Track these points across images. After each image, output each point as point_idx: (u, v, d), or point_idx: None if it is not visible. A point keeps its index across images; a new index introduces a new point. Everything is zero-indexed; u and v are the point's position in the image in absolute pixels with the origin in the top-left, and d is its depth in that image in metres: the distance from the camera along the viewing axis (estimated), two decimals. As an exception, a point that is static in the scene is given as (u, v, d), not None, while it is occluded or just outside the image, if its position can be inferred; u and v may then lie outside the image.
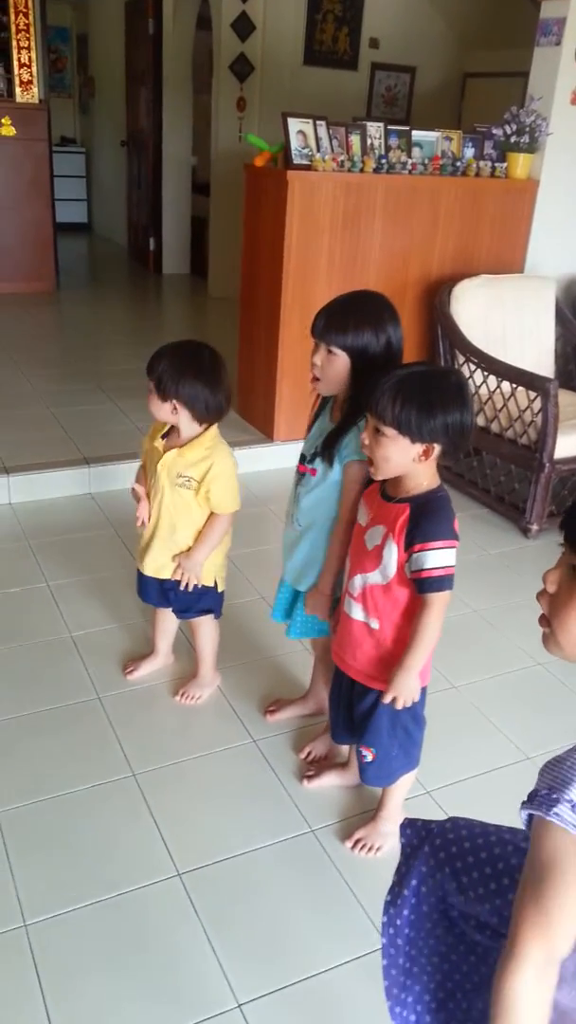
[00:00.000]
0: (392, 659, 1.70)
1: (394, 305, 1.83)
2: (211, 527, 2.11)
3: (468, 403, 1.56)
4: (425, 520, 1.59)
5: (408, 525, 1.59)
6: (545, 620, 0.90)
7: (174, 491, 2.08)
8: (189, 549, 2.13)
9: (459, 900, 1.20)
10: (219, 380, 2.01)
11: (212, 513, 2.11)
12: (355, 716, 1.83)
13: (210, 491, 2.06)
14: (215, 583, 2.22)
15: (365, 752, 1.83)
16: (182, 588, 2.15)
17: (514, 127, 3.89)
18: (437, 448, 1.57)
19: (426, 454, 1.57)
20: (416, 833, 1.30)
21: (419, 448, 1.56)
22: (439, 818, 1.36)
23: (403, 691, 1.69)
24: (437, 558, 1.58)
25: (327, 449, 1.83)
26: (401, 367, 1.63)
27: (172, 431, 2.10)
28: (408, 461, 1.58)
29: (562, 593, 0.87)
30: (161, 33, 6.92)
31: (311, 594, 1.95)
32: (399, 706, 1.71)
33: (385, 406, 1.53)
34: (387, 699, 1.71)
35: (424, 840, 1.28)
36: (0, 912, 1.70)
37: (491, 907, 1.15)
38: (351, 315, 1.76)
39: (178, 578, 2.15)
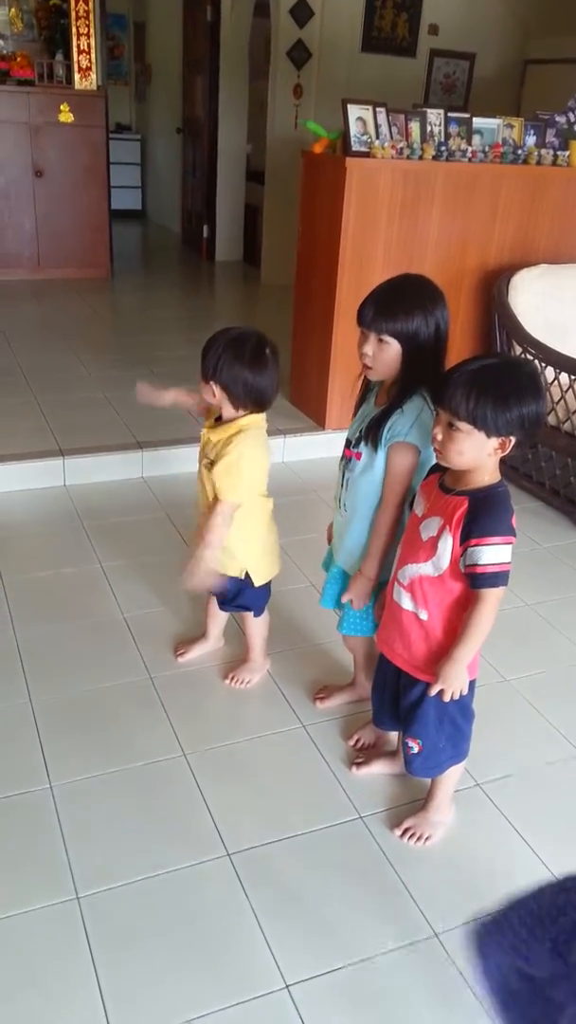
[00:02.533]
0: (441, 651, 1.69)
1: (439, 286, 1.80)
2: (213, 516, 2.03)
3: (543, 393, 1.54)
4: (484, 515, 1.57)
5: (466, 519, 1.57)
6: None
7: (203, 473, 2.09)
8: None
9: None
10: (262, 366, 1.95)
11: (216, 500, 2.04)
12: (401, 706, 1.82)
13: (215, 474, 2.00)
14: (247, 576, 2.16)
15: (411, 743, 1.83)
16: (191, 576, 2.06)
17: (578, 114, 3.81)
18: (512, 441, 1.55)
19: (502, 447, 1.55)
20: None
21: (495, 442, 1.54)
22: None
23: (451, 683, 1.68)
24: (493, 554, 1.56)
25: (372, 433, 1.82)
26: (469, 360, 1.61)
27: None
28: (483, 455, 1.56)
29: None
30: (219, 20, 6.92)
31: (355, 577, 1.94)
32: (446, 698, 1.70)
33: (460, 401, 1.50)
34: (434, 691, 1.70)
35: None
36: (54, 884, 1.74)
37: None
38: (400, 301, 1.75)
39: (229, 573, 2.14)
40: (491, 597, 1.60)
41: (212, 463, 2.03)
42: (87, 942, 1.63)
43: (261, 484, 2.12)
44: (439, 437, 1.56)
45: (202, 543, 2.03)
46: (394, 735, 2.10)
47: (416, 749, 1.82)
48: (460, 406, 1.50)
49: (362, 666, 2.25)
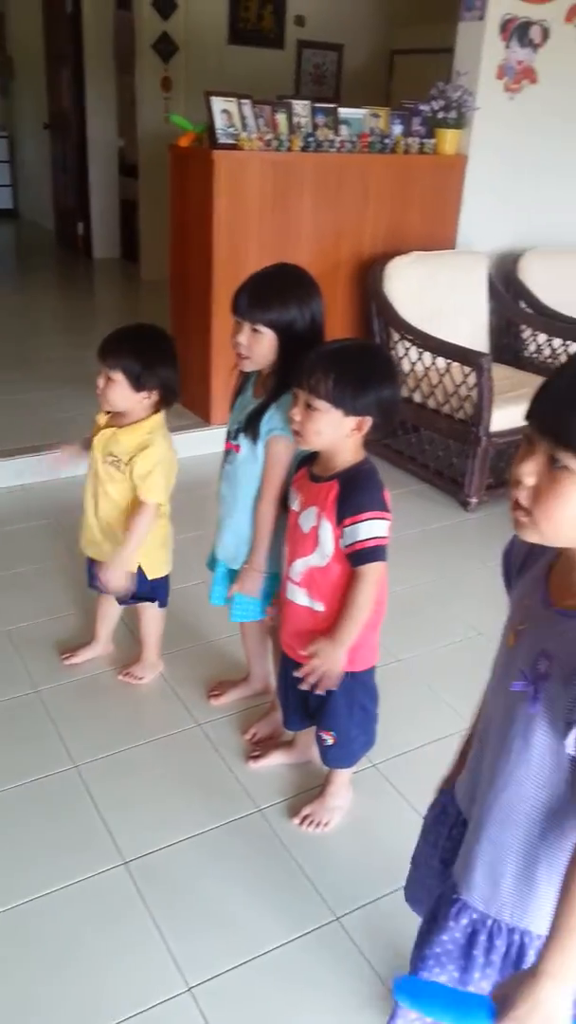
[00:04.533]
0: None
1: (313, 276, 1.81)
2: (137, 517, 2.05)
3: (398, 378, 1.57)
4: (354, 493, 1.59)
5: (338, 500, 1.59)
6: (523, 510, 0.91)
7: (104, 469, 2.05)
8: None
9: None
10: (161, 353, 1.98)
11: (138, 502, 2.05)
12: (310, 701, 1.81)
13: (136, 475, 2.01)
14: (140, 569, 2.14)
15: (325, 736, 1.83)
16: (107, 580, 2.08)
17: (441, 103, 3.89)
18: (369, 422, 1.57)
19: (359, 428, 1.57)
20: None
21: (352, 421, 1.56)
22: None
23: (328, 662, 1.65)
24: (368, 529, 1.57)
25: (251, 424, 1.81)
26: (328, 342, 1.63)
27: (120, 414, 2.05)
28: (340, 435, 1.57)
29: (542, 484, 0.88)
30: (80, 12, 6.74)
31: (243, 571, 1.93)
32: (312, 679, 1.67)
33: (319, 380, 1.51)
34: (304, 671, 1.67)
35: None
36: None
37: None
38: (275, 291, 1.74)
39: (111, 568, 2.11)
40: (371, 574, 1.61)
41: (118, 460, 2.01)
42: (-22, 970, 1.56)
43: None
44: (297, 418, 1.56)
45: (123, 545, 2.04)
46: (290, 725, 2.10)
47: (331, 741, 1.83)
48: (320, 385, 1.51)
49: (257, 656, 2.23)
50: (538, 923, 1.08)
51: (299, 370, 1.56)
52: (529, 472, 0.89)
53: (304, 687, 1.70)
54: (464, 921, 1.13)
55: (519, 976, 0.97)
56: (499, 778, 1.04)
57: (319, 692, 1.71)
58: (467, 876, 1.12)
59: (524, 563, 1.09)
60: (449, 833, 1.24)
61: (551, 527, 0.90)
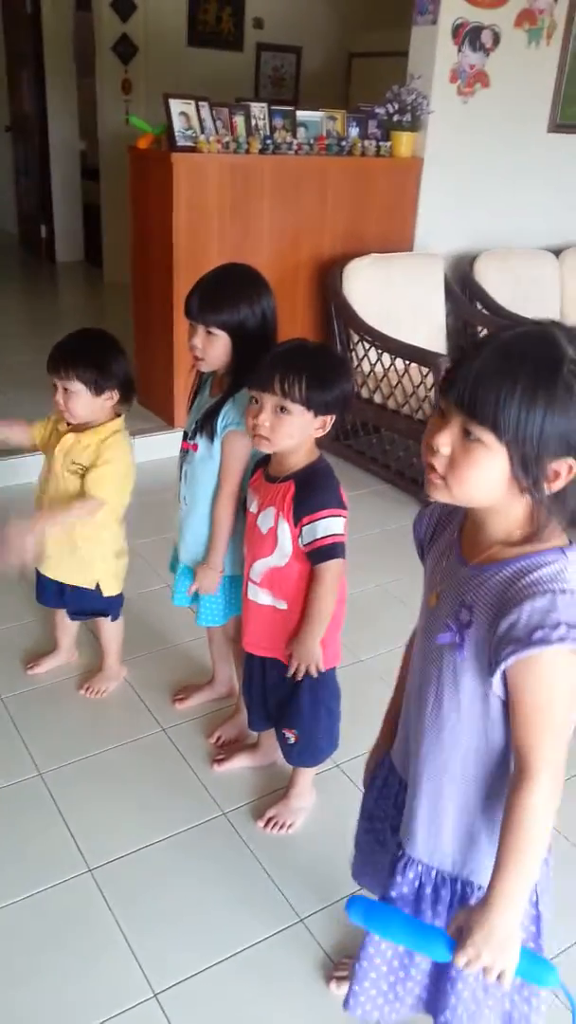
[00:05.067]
0: None
1: (262, 274, 1.83)
2: (79, 502, 1.96)
3: (352, 373, 1.60)
4: (309, 492, 1.60)
5: (294, 500, 1.60)
6: (437, 474, 0.99)
7: (66, 479, 2.03)
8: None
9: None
10: (111, 351, 1.98)
11: (84, 493, 1.98)
12: (274, 700, 1.83)
13: (94, 473, 1.98)
14: (97, 587, 2.14)
15: (288, 734, 1.84)
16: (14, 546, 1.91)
17: (396, 106, 3.92)
18: (332, 419, 1.59)
19: (323, 426, 1.59)
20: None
21: (319, 421, 1.58)
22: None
23: (305, 657, 1.70)
24: (325, 527, 1.59)
25: (207, 423, 1.83)
26: (282, 343, 1.64)
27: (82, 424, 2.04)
28: (307, 435, 1.59)
29: (457, 453, 0.97)
30: (40, 13, 6.69)
31: (201, 569, 1.94)
32: (300, 674, 1.72)
33: (291, 383, 1.51)
34: (291, 669, 1.72)
35: None
36: None
37: None
38: (225, 292, 1.76)
39: (84, 585, 2.12)
40: (330, 572, 1.63)
41: (81, 467, 1.99)
42: None
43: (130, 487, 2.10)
44: (267, 424, 1.55)
45: (44, 517, 1.96)
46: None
47: (293, 739, 1.84)
48: (293, 389, 1.51)
49: (223, 659, 2.25)
50: (479, 874, 1.17)
51: (259, 373, 1.55)
52: (444, 442, 0.97)
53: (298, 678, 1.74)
54: (411, 875, 1.23)
55: (469, 909, 1.08)
56: (430, 731, 1.13)
57: (312, 674, 1.73)
58: (410, 831, 1.21)
59: (434, 533, 1.21)
60: (395, 801, 1.31)
61: (463, 491, 0.99)
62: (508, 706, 1.03)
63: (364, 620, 2.64)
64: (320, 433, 1.61)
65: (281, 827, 1.91)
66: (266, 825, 1.92)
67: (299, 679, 1.74)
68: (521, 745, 1.01)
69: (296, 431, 1.57)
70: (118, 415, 2.05)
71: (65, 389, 1.94)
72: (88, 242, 7.53)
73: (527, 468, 0.94)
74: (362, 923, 1.16)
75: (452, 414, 0.96)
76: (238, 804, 1.98)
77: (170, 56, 6.36)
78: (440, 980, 1.25)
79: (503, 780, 1.09)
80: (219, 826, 1.92)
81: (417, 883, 1.22)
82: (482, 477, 0.96)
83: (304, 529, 1.60)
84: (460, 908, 1.16)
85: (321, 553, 1.61)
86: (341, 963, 1.61)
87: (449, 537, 1.15)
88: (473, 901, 1.17)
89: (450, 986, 1.22)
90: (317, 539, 1.60)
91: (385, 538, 3.23)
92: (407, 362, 3.42)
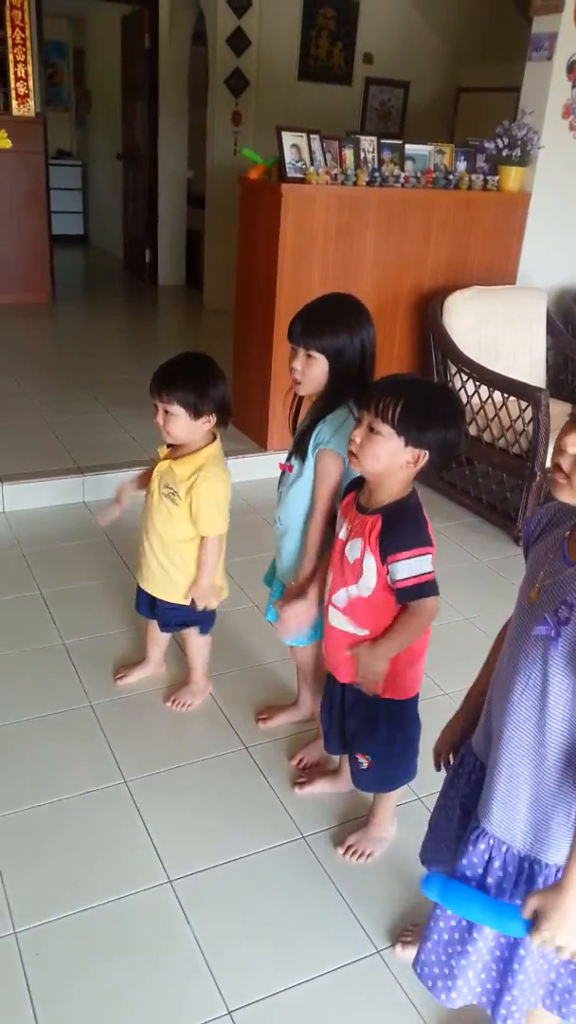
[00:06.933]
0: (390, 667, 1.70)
1: (365, 305, 1.86)
2: (203, 551, 2.12)
3: (462, 424, 1.58)
4: (396, 530, 1.58)
5: (380, 536, 1.59)
6: (563, 474, 1.05)
7: (161, 502, 2.09)
8: (195, 579, 2.15)
9: None
10: (211, 376, 2.01)
11: (202, 536, 2.11)
12: (351, 724, 1.82)
13: (194, 510, 2.05)
14: (192, 602, 2.19)
15: (360, 759, 1.83)
16: (200, 609, 2.18)
17: (506, 140, 3.93)
18: (426, 457, 1.57)
19: (415, 461, 1.56)
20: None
21: (410, 453, 1.55)
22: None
23: (366, 668, 1.68)
24: (411, 567, 1.57)
25: (300, 443, 1.86)
26: (403, 374, 1.65)
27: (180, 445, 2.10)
28: (395, 464, 1.56)
29: None
30: (157, 48, 6.99)
31: (291, 588, 1.95)
32: (360, 684, 1.72)
33: (387, 405, 1.51)
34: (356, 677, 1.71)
35: None
36: (-10, 919, 1.70)
37: None
38: (326, 319, 1.81)
39: (172, 600, 2.18)
40: (421, 609, 1.61)
41: (173, 493, 2.05)
42: (24, 979, 1.60)
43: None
44: (357, 440, 1.55)
45: (199, 578, 2.13)
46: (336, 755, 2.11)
47: (365, 765, 1.83)
48: (387, 410, 1.51)
49: (307, 682, 2.26)
50: (547, 853, 1.21)
51: (368, 394, 1.57)
52: (573, 443, 1.03)
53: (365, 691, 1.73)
54: (482, 847, 1.27)
55: (544, 891, 1.13)
56: (515, 714, 1.18)
57: (368, 694, 1.72)
58: (487, 805, 1.26)
59: (544, 530, 1.24)
60: (468, 780, 1.36)
61: None
62: None
63: (450, 653, 2.60)
64: (412, 468, 1.57)
65: (360, 856, 1.90)
66: (345, 852, 1.90)
67: (366, 695, 1.73)
68: None
69: (383, 454, 1.54)
70: (215, 437, 2.10)
71: (166, 411, 2.00)
72: (189, 267, 7.75)
73: None
74: (437, 898, 1.22)
75: None
76: (317, 829, 1.98)
77: (279, 89, 6.52)
78: (501, 965, 1.30)
79: None
80: (298, 849, 1.92)
81: (487, 855, 1.26)
82: None
83: (390, 567, 1.59)
84: (528, 888, 1.21)
85: (408, 593, 1.60)
86: (407, 930, 1.71)
87: (558, 536, 1.19)
88: (541, 880, 1.22)
89: (511, 978, 1.27)
90: (400, 579, 1.58)
91: (474, 572, 3.20)
92: (505, 395, 3.39)
